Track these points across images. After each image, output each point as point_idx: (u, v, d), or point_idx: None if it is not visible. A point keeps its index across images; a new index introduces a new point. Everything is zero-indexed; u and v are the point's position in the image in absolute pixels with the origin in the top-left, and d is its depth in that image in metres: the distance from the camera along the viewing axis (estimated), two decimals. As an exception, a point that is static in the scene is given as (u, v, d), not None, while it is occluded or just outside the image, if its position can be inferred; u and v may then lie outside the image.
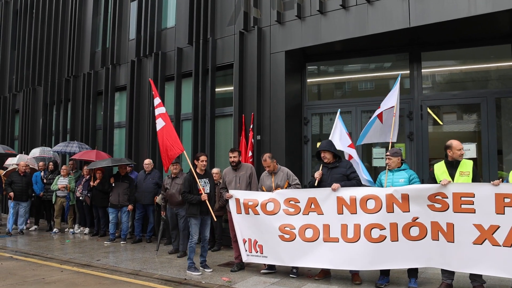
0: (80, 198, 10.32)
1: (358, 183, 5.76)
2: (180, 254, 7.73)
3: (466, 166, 5.20)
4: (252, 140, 8.43)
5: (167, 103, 9.81)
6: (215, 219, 6.38)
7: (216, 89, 9.65)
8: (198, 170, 6.54)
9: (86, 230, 10.65)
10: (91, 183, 9.95)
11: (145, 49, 10.95)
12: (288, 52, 8.52)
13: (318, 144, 8.84)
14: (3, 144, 13.95)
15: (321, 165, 6.04)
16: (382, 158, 8.04)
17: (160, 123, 7.03)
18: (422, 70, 7.98)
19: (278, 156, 7.47)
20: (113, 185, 9.37)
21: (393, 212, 5.28)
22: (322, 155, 5.98)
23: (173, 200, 7.92)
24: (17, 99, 15.54)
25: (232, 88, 9.21)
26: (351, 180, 5.79)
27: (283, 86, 8.45)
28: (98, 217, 10.19)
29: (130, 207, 9.26)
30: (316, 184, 5.91)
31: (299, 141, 8.76)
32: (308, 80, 9.13)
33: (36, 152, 12.19)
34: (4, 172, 11.55)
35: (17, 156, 11.87)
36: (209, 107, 9.49)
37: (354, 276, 5.82)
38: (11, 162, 11.91)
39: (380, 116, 6.53)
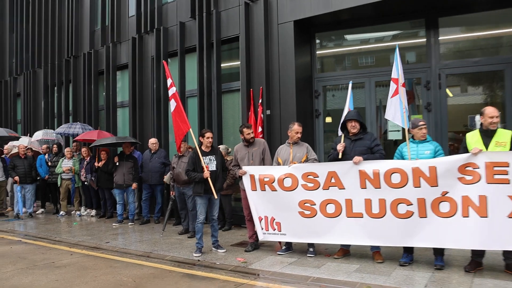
0: (85, 183, 10.11)
1: (382, 157, 5.42)
2: (191, 234, 7.51)
3: (504, 136, 4.78)
4: (262, 115, 8.09)
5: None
6: (216, 197, 6.09)
7: (222, 64, 9.27)
8: (203, 147, 6.28)
9: (93, 212, 10.47)
10: (96, 164, 9.70)
11: (146, 25, 10.55)
12: (296, 22, 8.09)
13: (328, 119, 8.50)
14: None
15: (344, 136, 5.69)
16: (398, 130, 7.70)
17: (172, 104, 6.88)
18: (440, 37, 7.54)
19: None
20: (117, 164, 9.09)
21: (420, 186, 4.96)
22: (352, 124, 5.59)
23: (179, 179, 7.67)
24: (18, 83, 15.26)
25: (239, 62, 8.82)
26: (375, 153, 5.44)
27: (292, 58, 8.05)
28: (105, 199, 9.99)
29: (134, 185, 9.01)
30: (339, 157, 5.57)
31: (310, 115, 8.41)
32: (318, 52, 8.71)
33: (39, 135, 11.97)
34: (9, 155, 11.32)
35: (20, 139, 11.63)
36: (215, 83, 9.12)
37: (376, 254, 5.55)
38: (12, 144, 11.70)
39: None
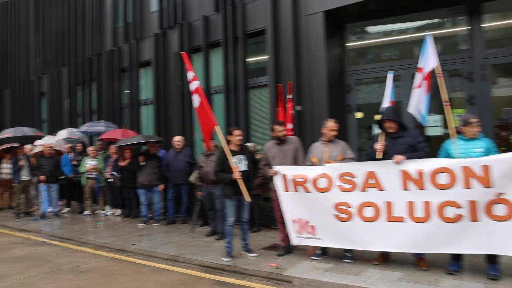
0: (109, 180, 9.92)
1: (426, 155, 4.97)
2: (219, 236, 7.21)
3: None
4: (292, 111, 7.71)
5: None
6: (248, 200, 5.75)
7: (248, 58, 8.92)
8: (232, 146, 5.92)
9: (118, 211, 10.31)
10: (120, 163, 9.50)
11: (168, 21, 10.32)
12: (326, 12, 7.66)
13: (358, 114, 8.05)
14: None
15: (382, 134, 5.24)
16: (436, 126, 7.22)
17: (196, 100, 6.50)
18: (483, 25, 7.00)
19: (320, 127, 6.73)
20: (143, 163, 8.83)
21: (470, 188, 4.51)
22: (387, 124, 5.16)
23: (207, 178, 7.37)
24: (42, 82, 15.28)
25: (266, 56, 8.45)
26: (418, 151, 4.99)
27: (322, 50, 7.64)
28: (129, 198, 9.80)
29: (161, 187, 8.77)
30: (379, 157, 5.11)
31: (342, 110, 7.98)
32: (349, 44, 8.26)
33: (63, 134, 11.89)
34: (32, 154, 11.27)
35: (45, 138, 11.58)
36: (241, 78, 8.77)
37: (420, 261, 5.12)
38: (39, 143, 11.66)
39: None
